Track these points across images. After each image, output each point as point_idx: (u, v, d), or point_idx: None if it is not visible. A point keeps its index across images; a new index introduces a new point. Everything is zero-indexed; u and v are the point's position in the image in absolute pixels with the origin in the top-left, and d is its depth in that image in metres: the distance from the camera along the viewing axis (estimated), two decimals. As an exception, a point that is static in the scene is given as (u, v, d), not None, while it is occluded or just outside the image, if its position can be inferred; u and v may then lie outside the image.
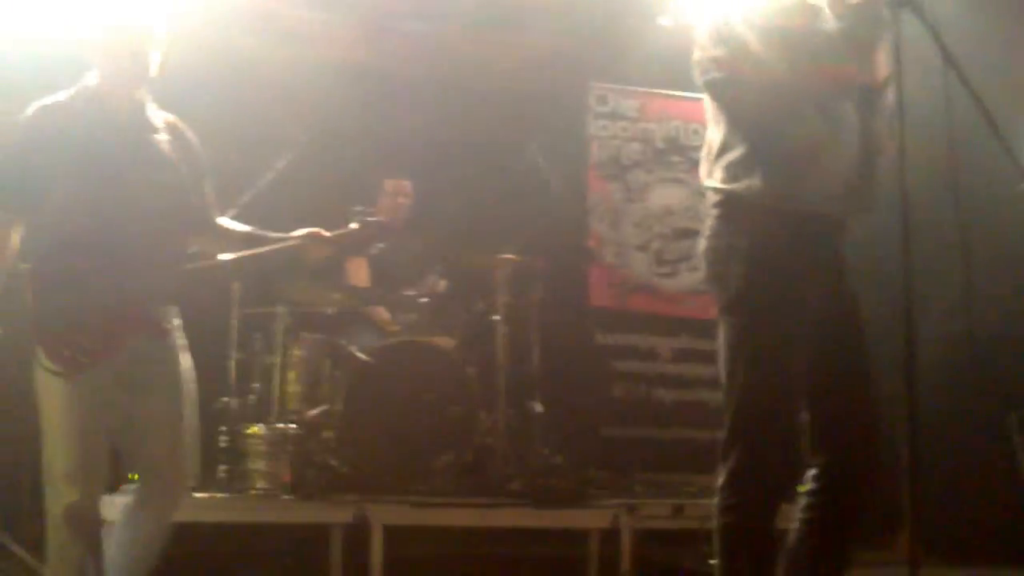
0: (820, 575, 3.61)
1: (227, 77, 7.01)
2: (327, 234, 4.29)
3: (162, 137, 4.03)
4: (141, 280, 3.88)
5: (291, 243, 4.25)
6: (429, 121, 7.60)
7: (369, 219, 4.55)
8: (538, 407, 6.71)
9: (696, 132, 8.01)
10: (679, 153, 8.03)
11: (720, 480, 3.59)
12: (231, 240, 4.38)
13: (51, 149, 3.81)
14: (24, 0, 6.31)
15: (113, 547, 3.92)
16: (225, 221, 4.26)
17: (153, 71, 3.94)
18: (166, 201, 3.94)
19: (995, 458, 6.42)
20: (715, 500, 3.61)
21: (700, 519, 5.74)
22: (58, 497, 3.76)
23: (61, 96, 3.93)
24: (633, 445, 7.48)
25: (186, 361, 4.08)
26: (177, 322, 4.08)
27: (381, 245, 5.27)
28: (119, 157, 3.88)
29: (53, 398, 3.80)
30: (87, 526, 3.79)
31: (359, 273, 6.87)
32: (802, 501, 3.66)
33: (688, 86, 7.66)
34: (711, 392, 7.52)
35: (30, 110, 3.88)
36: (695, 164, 7.59)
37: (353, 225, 4.46)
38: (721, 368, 3.64)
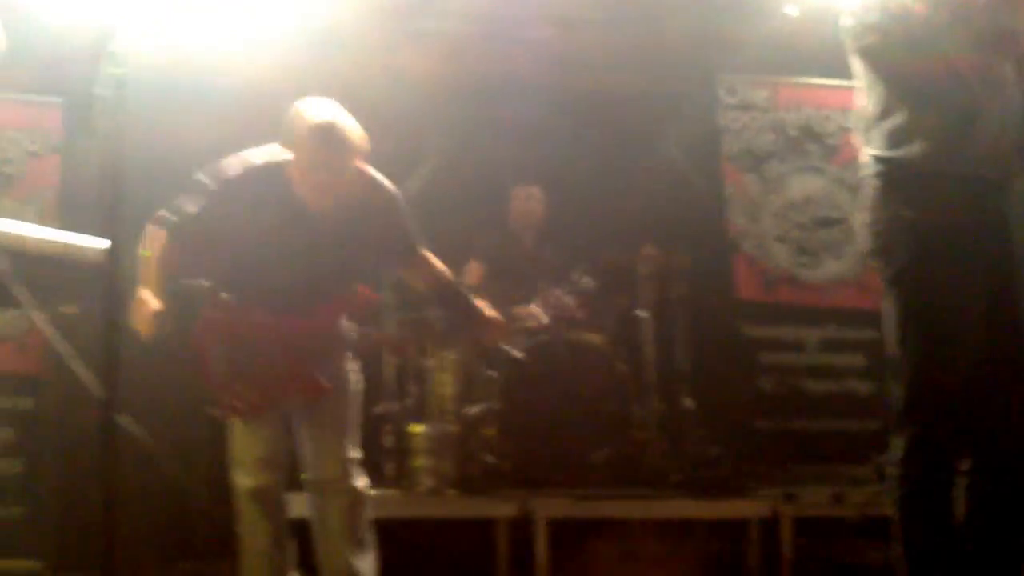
0: (991, 552, 3.55)
1: (362, 95, 7.11)
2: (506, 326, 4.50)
3: (356, 201, 4.06)
4: (308, 339, 4.07)
5: (475, 320, 4.40)
6: (562, 124, 7.60)
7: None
8: (688, 401, 6.69)
9: (828, 119, 7.89)
10: (814, 141, 7.88)
11: (897, 454, 3.55)
12: (428, 277, 4.38)
13: (233, 225, 3.96)
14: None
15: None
16: (428, 256, 4.33)
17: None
18: (341, 259, 4.10)
19: None
20: (891, 473, 3.57)
21: (859, 507, 5.68)
22: (243, 479, 4.04)
23: (260, 163, 4.02)
24: (784, 437, 7.38)
25: (356, 382, 4.30)
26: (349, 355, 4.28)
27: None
28: (296, 222, 3.98)
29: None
30: (271, 505, 4.06)
31: (474, 275, 6.93)
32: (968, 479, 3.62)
33: (818, 72, 7.69)
34: (860, 382, 7.49)
35: (217, 179, 3.98)
36: (831, 151, 7.72)
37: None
38: (891, 342, 3.59)
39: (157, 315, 3.72)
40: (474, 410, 6.34)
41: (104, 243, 2.94)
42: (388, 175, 6.42)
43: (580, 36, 7.84)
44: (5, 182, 6.73)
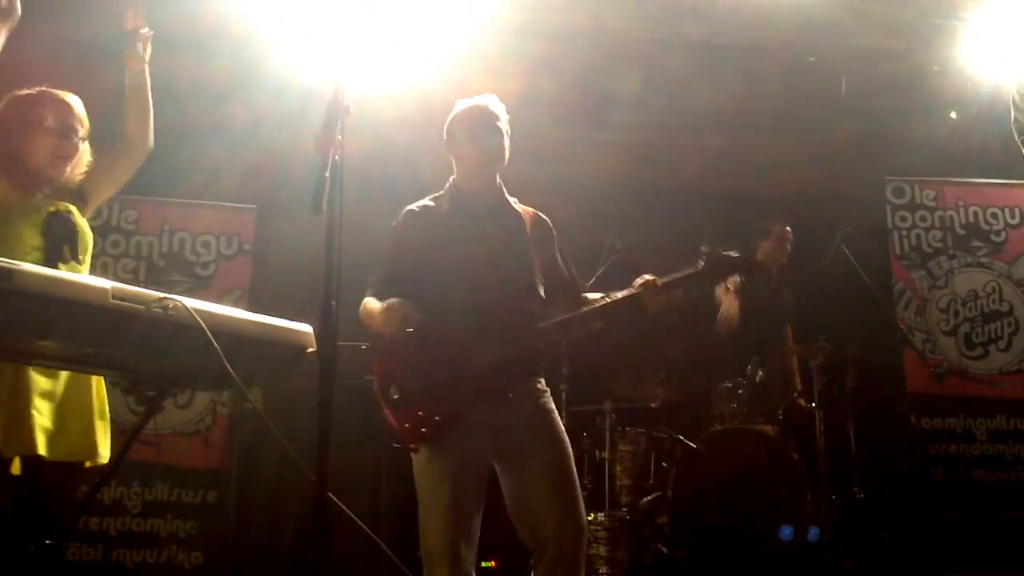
0: None
1: (543, 199, 7.15)
2: (660, 281, 3.96)
3: (519, 222, 4.07)
4: (485, 356, 3.84)
5: (629, 294, 3.97)
6: (732, 223, 7.52)
7: (722, 254, 4.01)
8: (859, 491, 6.43)
9: (994, 216, 7.69)
10: (980, 238, 7.65)
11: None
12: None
13: (417, 247, 3.96)
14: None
15: None
16: (588, 294, 4.16)
17: (503, 165, 4.06)
18: (519, 280, 3.97)
19: None
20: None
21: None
22: (431, 570, 3.72)
23: (427, 200, 4.09)
24: (955, 526, 7.04)
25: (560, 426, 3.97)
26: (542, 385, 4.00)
27: (738, 279, 4.79)
28: (477, 243, 3.95)
29: (422, 476, 3.82)
30: None
31: (731, 307, 6.78)
32: None
33: (982, 172, 7.52)
34: (1031, 471, 7.14)
35: (401, 215, 4.06)
36: (996, 248, 7.43)
37: (699, 264, 3.99)
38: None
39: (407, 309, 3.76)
40: (648, 499, 6.20)
41: (308, 327, 2.95)
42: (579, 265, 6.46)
43: (752, 141, 7.79)
44: (200, 283, 6.92)
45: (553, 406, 3.99)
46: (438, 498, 3.74)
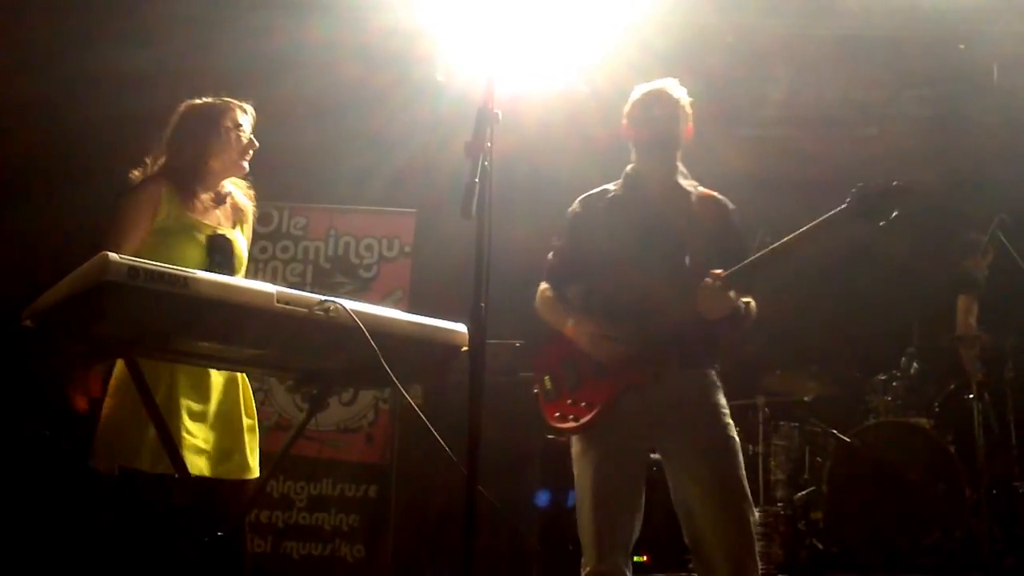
0: None
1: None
2: (719, 273, 3.65)
3: (695, 204, 3.98)
4: (633, 337, 3.76)
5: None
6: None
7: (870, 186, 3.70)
8: (1021, 486, 6.22)
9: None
10: None
11: None
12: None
13: (593, 230, 3.98)
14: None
15: None
16: None
17: (679, 149, 4.05)
18: (675, 260, 3.85)
19: None
20: None
21: None
22: (586, 561, 3.66)
23: (606, 185, 4.10)
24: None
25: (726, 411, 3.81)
26: (712, 379, 3.85)
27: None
28: (641, 224, 3.91)
29: (577, 465, 3.81)
30: None
31: (968, 313, 6.63)
32: None
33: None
34: None
35: (576, 201, 4.09)
36: None
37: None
38: None
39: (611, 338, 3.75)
40: (802, 494, 6.12)
41: (463, 327, 3.01)
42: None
43: (902, 132, 7.65)
44: (362, 285, 7.08)
45: (723, 401, 3.80)
46: (584, 488, 3.72)
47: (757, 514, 5.86)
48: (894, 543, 5.89)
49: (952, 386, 6.57)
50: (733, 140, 7.61)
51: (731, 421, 3.78)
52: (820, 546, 5.95)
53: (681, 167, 4.06)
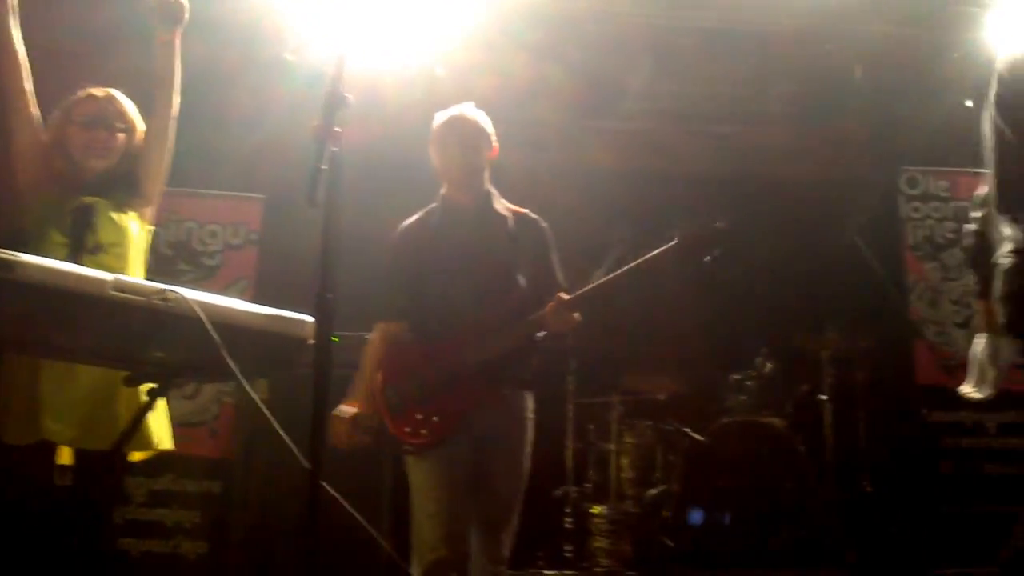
0: None
1: (553, 188, 7.21)
2: (565, 298, 3.99)
3: (504, 227, 4.20)
4: (474, 356, 3.98)
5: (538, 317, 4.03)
6: (745, 212, 7.58)
7: (696, 227, 4.04)
8: (867, 484, 6.49)
9: (1009, 208, 7.67)
10: (995, 229, 7.66)
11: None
12: None
13: (412, 260, 4.16)
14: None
15: None
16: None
17: (485, 171, 4.25)
18: (502, 282, 4.10)
19: None
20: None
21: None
22: (423, 556, 3.85)
23: (420, 214, 4.28)
24: (964, 520, 7.09)
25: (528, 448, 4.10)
26: (531, 406, 4.14)
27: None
28: (459, 247, 4.12)
29: (415, 473, 3.99)
30: None
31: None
32: None
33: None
34: (1040, 465, 7.16)
35: (395, 232, 4.26)
36: None
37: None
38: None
39: (352, 423, 3.95)
40: (653, 492, 6.27)
41: (310, 318, 3.01)
42: (577, 262, 6.50)
43: (764, 130, 7.83)
44: (206, 273, 7.02)
45: (529, 429, 4.12)
46: (427, 497, 3.92)
47: (607, 511, 6.03)
48: (743, 540, 6.07)
49: (805, 386, 6.80)
50: (593, 132, 7.72)
51: (528, 450, 4.10)
52: (670, 543, 6.09)
53: (491, 189, 4.27)
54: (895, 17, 6.96)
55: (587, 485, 6.45)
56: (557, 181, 7.29)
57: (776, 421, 6.44)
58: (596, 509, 6.14)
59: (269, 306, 3.06)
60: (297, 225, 5.52)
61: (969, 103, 7.28)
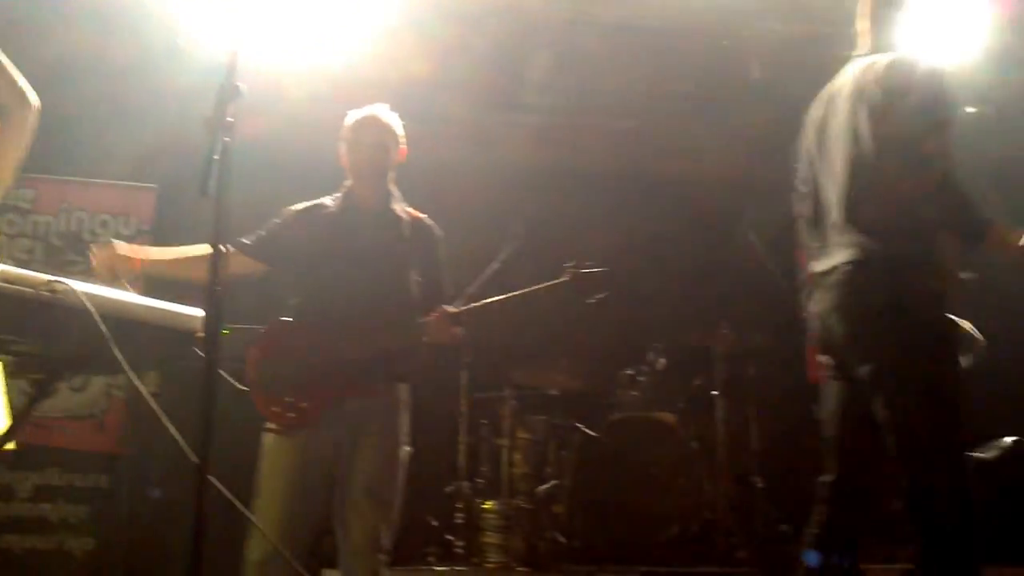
0: None
1: (453, 180, 7.26)
2: (449, 311, 4.16)
3: (400, 228, 4.34)
4: (354, 350, 4.07)
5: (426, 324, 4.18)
6: (642, 208, 7.71)
7: (581, 272, 4.36)
8: (758, 480, 6.64)
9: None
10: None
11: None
12: None
13: (302, 226, 4.29)
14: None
15: None
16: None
17: (390, 172, 4.39)
18: (392, 282, 4.23)
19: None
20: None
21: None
22: (258, 544, 3.91)
23: (324, 199, 4.41)
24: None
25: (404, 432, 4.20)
26: (405, 397, 4.24)
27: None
28: (356, 241, 4.24)
29: (267, 460, 4.07)
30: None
31: None
32: None
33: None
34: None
35: (296, 207, 4.39)
36: None
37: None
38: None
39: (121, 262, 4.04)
40: (545, 488, 6.35)
41: (200, 311, 3.03)
42: (474, 254, 6.55)
43: (663, 125, 7.94)
44: (100, 265, 6.92)
45: (404, 417, 4.22)
46: (277, 479, 4.02)
47: (498, 506, 6.09)
48: (634, 536, 6.18)
49: (697, 382, 6.93)
50: (497, 125, 7.77)
51: (403, 438, 4.21)
52: (561, 539, 6.17)
53: (394, 190, 4.41)
54: (792, 16, 7.09)
55: (479, 480, 6.51)
56: (458, 174, 7.35)
57: (668, 417, 6.56)
58: (488, 504, 6.19)
59: (159, 298, 3.07)
60: (189, 217, 5.51)
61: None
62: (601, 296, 4.20)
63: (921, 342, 3.54)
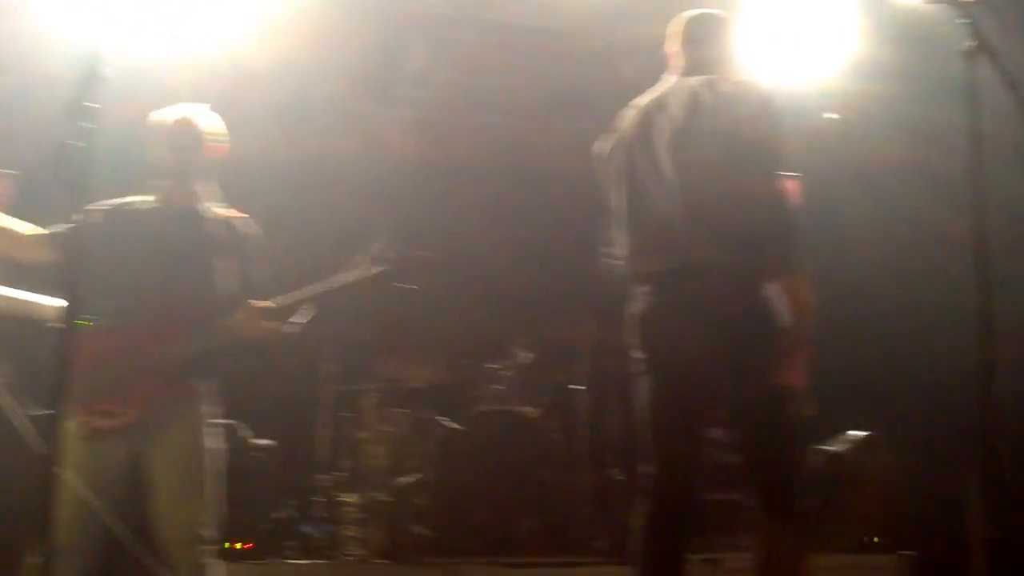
0: None
1: (324, 173, 7.29)
2: (257, 306, 4.18)
3: (212, 229, 4.32)
4: (170, 356, 4.10)
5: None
6: (509, 202, 7.82)
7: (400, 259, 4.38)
8: (618, 473, 6.79)
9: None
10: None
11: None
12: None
13: (107, 223, 4.19)
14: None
15: None
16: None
17: (202, 176, 4.36)
18: (196, 283, 4.22)
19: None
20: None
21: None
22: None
23: (135, 197, 4.36)
24: (709, 505, 7.45)
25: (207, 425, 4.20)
26: (209, 392, 4.24)
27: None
28: (159, 241, 4.21)
29: (75, 457, 3.93)
30: None
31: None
32: None
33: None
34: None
35: (98, 206, 4.23)
36: None
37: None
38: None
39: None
40: (406, 481, 6.41)
41: (56, 301, 3.03)
42: (344, 245, 6.57)
43: (534, 124, 8.04)
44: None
45: (206, 408, 4.21)
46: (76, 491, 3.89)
47: (359, 499, 6.12)
48: (496, 528, 6.29)
49: (560, 376, 7.05)
50: (371, 117, 7.80)
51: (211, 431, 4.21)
52: (423, 532, 6.23)
53: (204, 189, 4.37)
54: (664, 19, 7.23)
55: (340, 474, 6.55)
56: (333, 165, 7.37)
57: (530, 410, 6.67)
58: (347, 498, 6.23)
59: (15, 288, 3.07)
60: (48, 204, 5.46)
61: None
62: (423, 282, 4.25)
63: (759, 344, 3.74)
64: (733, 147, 3.83)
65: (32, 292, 3.06)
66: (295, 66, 6.90)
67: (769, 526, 3.77)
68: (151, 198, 4.35)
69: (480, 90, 7.86)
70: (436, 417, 6.61)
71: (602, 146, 4.27)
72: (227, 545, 4.26)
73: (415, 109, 7.88)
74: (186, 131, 4.33)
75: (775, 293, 3.80)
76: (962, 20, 3.73)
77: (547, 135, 8.12)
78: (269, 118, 6.82)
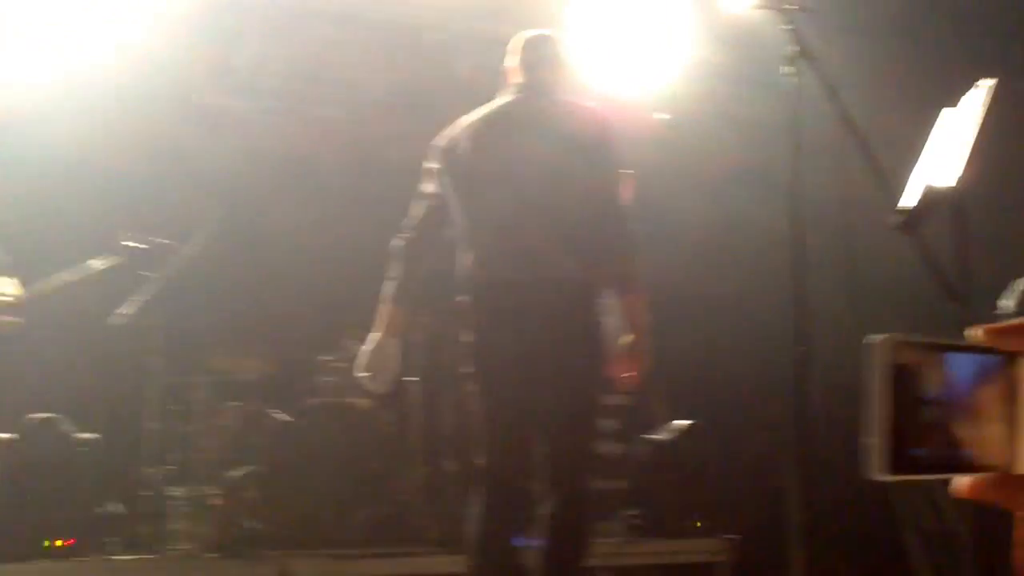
0: None
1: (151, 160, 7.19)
2: None
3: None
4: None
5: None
6: (342, 196, 7.84)
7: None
8: (451, 464, 6.87)
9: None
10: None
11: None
12: None
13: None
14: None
15: None
16: None
17: None
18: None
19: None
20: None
21: (605, 557, 5.93)
22: None
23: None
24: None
25: None
26: None
27: None
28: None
29: None
30: None
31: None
32: None
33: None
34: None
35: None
36: None
37: None
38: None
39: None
40: (237, 473, 6.38)
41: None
42: (167, 236, 6.49)
43: (372, 116, 8.07)
44: None
45: None
46: None
47: (187, 493, 6.07)
48: (327, 520, 6.30)
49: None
50: (207, 107, 7.71)
51: None
52: (254, 524, 6.21)
53: None
54: (502, 16, 7.34)
55: (168, 467, 6.48)
56: (171, 154, 7.28)
57: (363, 402, 6.70)
58: (174, 491, 6.17)
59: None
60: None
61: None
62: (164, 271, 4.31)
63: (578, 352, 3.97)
64: (565, 164, 4.01)
65: None
66: (138, 53, 6.80)
67: (554, 510, 3.98)
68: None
69: (317, 82, 7.86)
70: (267, 410, 6.57)
71: (435, 147, 4.39)
72: (46, 543, 4.14)
73: (252, 100, 7.82)
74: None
75: (610, 308, 4.00)
76: (785, 26, 3.93)
77: (384, 127, 8.14)
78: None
